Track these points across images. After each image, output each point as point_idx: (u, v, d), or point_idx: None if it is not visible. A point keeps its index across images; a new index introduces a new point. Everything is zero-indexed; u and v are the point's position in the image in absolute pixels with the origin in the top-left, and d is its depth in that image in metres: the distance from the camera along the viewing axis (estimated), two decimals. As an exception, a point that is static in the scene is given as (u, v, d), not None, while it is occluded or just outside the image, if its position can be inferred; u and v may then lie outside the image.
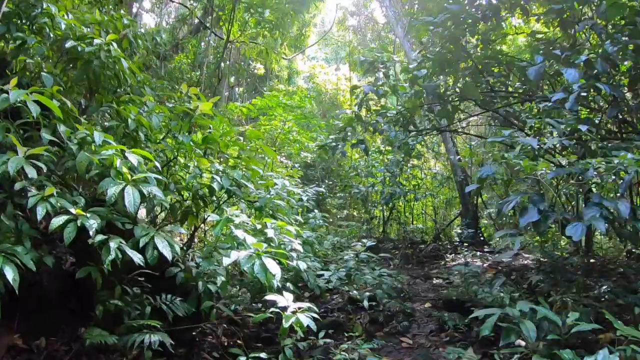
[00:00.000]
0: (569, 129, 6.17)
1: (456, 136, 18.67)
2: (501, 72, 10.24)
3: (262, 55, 13.86)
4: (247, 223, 5.25)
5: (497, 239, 18.46)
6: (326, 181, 21.37)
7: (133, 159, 4.41)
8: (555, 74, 7.98)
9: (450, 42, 9.09)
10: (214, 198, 5.94)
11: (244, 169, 6.00)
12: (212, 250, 5.49)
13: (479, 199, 18.55)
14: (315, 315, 4.75)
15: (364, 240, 8.82)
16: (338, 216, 19.00)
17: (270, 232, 5.18)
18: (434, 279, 11.55)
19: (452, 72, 9.35)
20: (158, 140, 5.75)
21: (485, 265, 13.20)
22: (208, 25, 15.90)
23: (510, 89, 10.79)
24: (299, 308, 4.79)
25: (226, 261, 4.40)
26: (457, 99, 10.44)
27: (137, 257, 4.30)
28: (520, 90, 10.68)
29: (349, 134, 11.00)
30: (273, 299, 4.78)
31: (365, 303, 7.55)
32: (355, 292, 7.71)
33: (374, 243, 9.17)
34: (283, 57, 15.89)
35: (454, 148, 17.50)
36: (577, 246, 13.61)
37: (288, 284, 6.14)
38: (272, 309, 5.06)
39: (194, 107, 5.53)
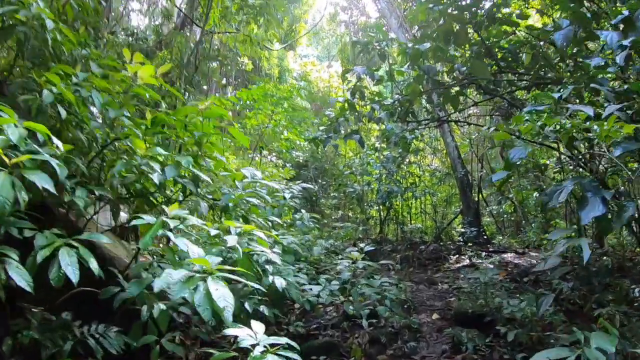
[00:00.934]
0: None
1: (455, 130, 17.15)
2: (510, 50, 8.78)
3: (246, 45, 12.30)
4: (204, 227, 3.72)
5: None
6: (319, 181, 19.86)
7: (12, 133, 2.85)
8: (586, 37, 6.44)
9: (455, 18, 7.66)
10: (175, 194, 4.41)
11: (205, 158, 4.46)
12: (146, 267, 3.93)
13: (480, 196, 17.03)
14: (297, 358, 3.19)
15: (361, 245, 7.25)
16: (333, 217, 17.46)
17: (231, 240, 3.64)
18: (439, 283, 10.02)
19: (460, 43, 7.82)
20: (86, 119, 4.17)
21: (492, 266, 11.70)
22: (196, 22, 14.37)
23: (520, 70, 9.28)
24: (273, 345, 3.24)
25: (157, 285, 2.89)
26: (463, 79, 8.95)
27: (22, 282, 2.76)
28: (532, 72, 9.20)
29: (341, 126, 9.46)
30: (235, 334, 3.24)
31: (364, 322, 6.02)
32: (351, 308, 6.15)
33: (373, 247, 7.62)
34: (267, 48, 14.24)
35: (453, 142, 15.99)
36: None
37: (262, 308, 4.59)
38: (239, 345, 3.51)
39: (131, 73, 3.98)
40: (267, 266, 4.77)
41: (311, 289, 5.69)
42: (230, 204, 4.53)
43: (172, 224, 3.30)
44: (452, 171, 16.35)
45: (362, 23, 23.05)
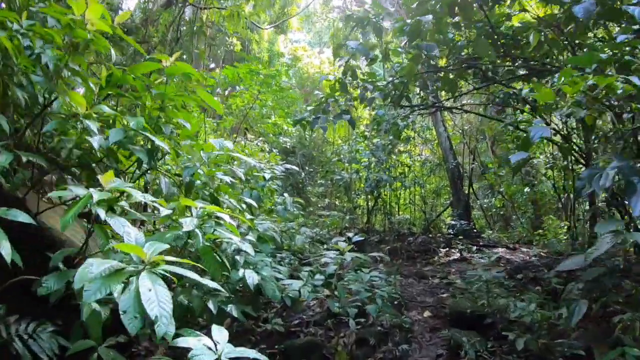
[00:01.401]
0: None
1: (447, 120, 16.40)
2: (512, 36, 8.09)
3: (234, 22, 11.40)
4: (153, 206, 2.91)
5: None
6: (307, 168, 19.06)
7: None
8: (606, 13, 5.70)
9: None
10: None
11: (168, 125, 3.63)
12: (66, 256, 3.10)
13: (471, 189, 16.32)
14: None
15: (349, 234, 6.47)
16: (319, 205, 16.68)
17: (188, 224, 2.83)
18: (430, 278, 9.29)
19: (466, 16, 7.05)
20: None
21: (484, 261, 10.99)
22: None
23: (522, 57, 8.58)
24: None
25: (77, 280, 2.09)
26: (463, 62, 8.22)
27: None
28: (534, 60, 8.49)
29: (331, 107, 8.68)
30: (187, 346, 2.43)
31: (351, 322, 5.26)
32: (337, 305, 5.38)
33: (361, 238, 6.84)
34: (256, 25, 13.33)
35: (445, 133, 15.25)
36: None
37: (230, 307, 3.77)
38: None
39: (77, 15, 3.14)
40: (237, 257, 3.97)
41: (291, 284, 4.89)
42: (198, 182, 3.73)
43: (98, 197, 2.48)
44: (443, 162, 15.62)
45: (356, 10, 22.12)
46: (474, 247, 11.95)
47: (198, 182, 3.78)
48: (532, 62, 8.69)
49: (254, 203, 4.88)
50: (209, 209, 3.03)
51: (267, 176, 6.32)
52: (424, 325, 6.51)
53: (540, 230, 14.48)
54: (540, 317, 4.85)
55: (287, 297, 4.98)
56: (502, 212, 17.55)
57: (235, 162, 4.62)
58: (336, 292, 5.49)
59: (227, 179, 4.11)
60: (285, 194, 7.89)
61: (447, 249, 12.02)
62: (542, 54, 8.48)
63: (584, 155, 9.73)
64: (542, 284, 8.02)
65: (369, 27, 8.07)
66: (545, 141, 16.92)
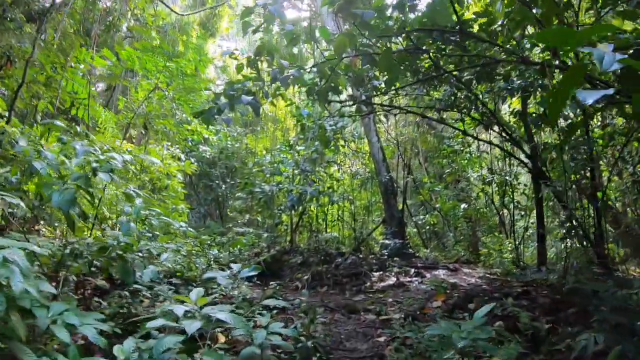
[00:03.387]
0: None
1: (380, 130, 14.34)
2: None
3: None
4: None
5: (427, 251, 14.38)
6: (228, 180, 16.61)
7: None
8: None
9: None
10: None
11: None
12: None
13: (405, 206, 14.27)
14: None
15: (234, 266, 4.12)
16: (239, 221, 14.22)
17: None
18: (362, 312, 7.04)
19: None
20: None
21: (424, 286, 8.86)
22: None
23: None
24: None
25: None
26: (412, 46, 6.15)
27: None
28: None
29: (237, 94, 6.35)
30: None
31: None
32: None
33: (252, 273, 4.47)
34: (165, 4, 10.75)
35: (378, 143, 13.18)
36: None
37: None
38: None
39: None
40: None
41: None
42: None
43: None
44: (375, 175, 13.53)
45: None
46: (412, 270, 9.81)
47: None
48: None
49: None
50: None
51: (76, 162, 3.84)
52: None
53: (484, 250, 12.56)
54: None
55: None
56: (435, 229, 15.59)
57: None
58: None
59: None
60: (139, 196, 5.35)
61: (381, 272, 9.84)
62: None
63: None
64: (505, 319, 5.91)
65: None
66: (483, 155, 15.26)
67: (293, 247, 11.71)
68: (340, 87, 7.35)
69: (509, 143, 10.25)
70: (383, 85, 8.25)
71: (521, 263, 11.44)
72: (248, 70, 6.78)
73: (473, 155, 14.53)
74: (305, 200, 11.22)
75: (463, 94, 9.07)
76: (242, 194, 13.03)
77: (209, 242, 12.12)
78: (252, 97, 5.56)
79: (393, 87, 8.89)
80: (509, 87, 8.17)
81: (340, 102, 7.70)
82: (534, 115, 8.84)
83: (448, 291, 8.33)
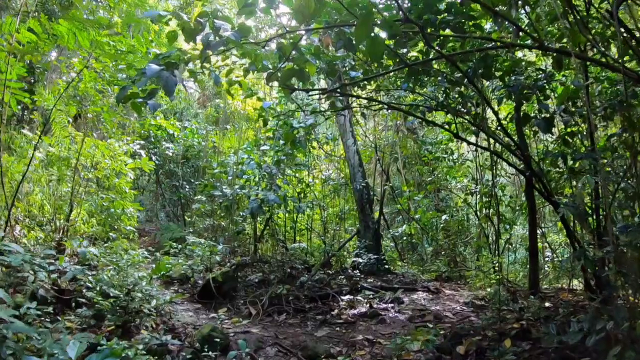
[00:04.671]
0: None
1: (357, 130, 12.66)
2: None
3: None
4: None
5: (404, 266, 12.75)
6: (193, 181, 14.80)
7: None
8: None
9: None
10: None
11: None
12: None
13: (382, 217, 12.62)
14: None
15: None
16: (201, 226, 12.43)
17: None
18: (323, 358, 5.30)
19: None
20: None
21: (403, 316, 7.23)
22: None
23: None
24: None
25: None
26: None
27: None
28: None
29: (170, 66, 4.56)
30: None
31: None
32: None
33: None
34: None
35: (355, 146, 11.51)
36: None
37: None
38: None
39: None
40: None
41: None
42: None
43: None
44: (349, 181, 11.85)
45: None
46: (387, 294, 8.14)
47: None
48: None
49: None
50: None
51: None
52: None
53: (469, 272, 11.00)
54: None
55: None
56: (413, 241, 13.95)
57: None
58: None
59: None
60: None
61: (352, 295, 8.14)
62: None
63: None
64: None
65: None
66: (467, 164, 13.71)
67: (255, 259, 9.98)
68: (308, 72, 5.65)
69: (502, 150, 8.64)
70: (360, 76, 6.59)
71: (509, 284, 9.92)
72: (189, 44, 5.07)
73: (456, 163, 12.94)
74: (270, 206, 9.54)
75: (455, 91, 7.45)
76: (201, 197, 11.24)
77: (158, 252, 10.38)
78: (169, 71, 3.83)
79: (374, 80, 7.23)
80: (511, 86, 6.60)
81: (307, 90, 6.00)
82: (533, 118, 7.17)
83: (431, 324, 6.70)
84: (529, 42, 5.45)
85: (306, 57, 5.48)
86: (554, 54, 6.03)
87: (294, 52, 5.21)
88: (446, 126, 8.67)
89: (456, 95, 7.31)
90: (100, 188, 10.61)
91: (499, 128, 7.65)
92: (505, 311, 7.32)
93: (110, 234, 9.94)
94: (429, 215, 12.54)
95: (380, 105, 7.44)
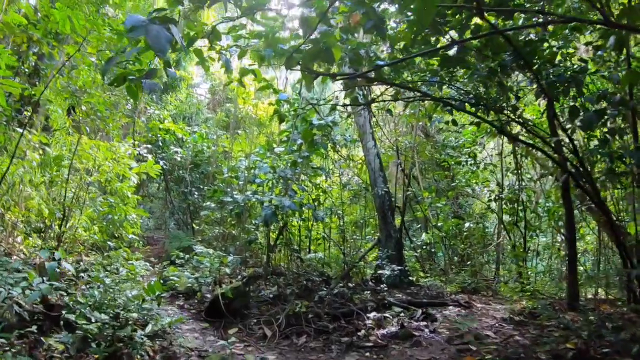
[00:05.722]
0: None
1: (378, 134, 11.55)
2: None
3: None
4: None
5: (427, 277, 11.58)
6: (202, 187, 13.79)
7: None
8: None
9: None
10: None
11: None
12: None
13: (403, 225, 11.48)
14: None
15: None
16: (210, 234, 11.38)
17: None
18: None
19: None
20: None
21: (439, 337, 6.13)
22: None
23: None
24: None
25: None
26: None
27: None
28: None
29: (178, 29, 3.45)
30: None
31: None
32: None
33: None
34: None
35: (375, 149, 10.44)
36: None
37: None
38: None
39: None
40: None
41: None
42: None
43: None
44: (369, 187, 10.76)
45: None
46: (418, 310, 7.01)
47: None
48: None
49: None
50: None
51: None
52: None
53: (502, 286, 9.91)
54: None
55: None
56: (433, 250, 12.80)
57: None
58: None
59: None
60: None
61: (378, 312, 7.02)
62: None
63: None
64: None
65: None
66: (490, 168, 12.60)
67: (268, 271, 8.88)
68: (334, 56, 4.63)
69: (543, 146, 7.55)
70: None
71: (543, 296, 8.82)
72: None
73: (479, 167, 11.83)
74: (284, 214, 8.48)
75: (495, 82, 6.37)
76: (210, 203, 10.19)
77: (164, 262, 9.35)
78: (163, 25, 2.78)
79: (405, 68, 6.18)
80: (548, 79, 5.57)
81: (334, 75, 4.95)
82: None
83: (473, 346, 5.63)
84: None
85: (334, 33, 4.44)
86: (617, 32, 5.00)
87: (321, 28, 4.19)
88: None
89: (501, 84, 6.22)
90: (101, 193, 9.65)
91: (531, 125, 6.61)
92: (551, 328, 6.28)
93: (111, 242, 8.97)
94: (450, 223, 11.42)
95: (409, 99, 6.36)
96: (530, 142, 7.29)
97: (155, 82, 4.01)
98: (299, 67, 4.81)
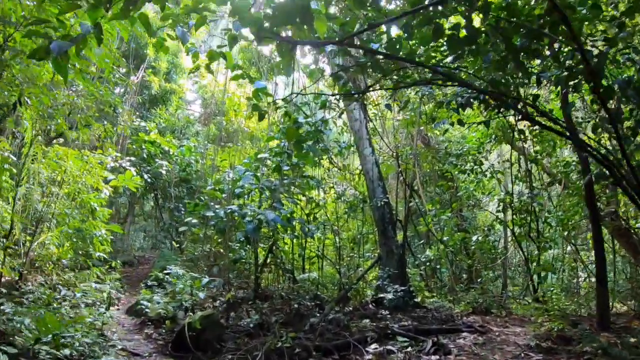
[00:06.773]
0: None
1: (375, 142, 10.30)
2: None
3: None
4: None
5: (432, 297, 10.22)
6: (186, 201, 12.54)
7: None
8: None
9: None
10: None
11: None
12: None
13: (405, 240, 10.16)
14: None
15: None
16: (196, 253, 10.12)
17: None
18: None
19: None
20: None
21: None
22: None
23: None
24: None
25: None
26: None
27: None
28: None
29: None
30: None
31: None
32: None
33: None
34: None
35: (373, 156, 9.19)
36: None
37: None
38: None
39: None
40: None
41: None
42: None
43: None
44: (367, 198, 9.48)
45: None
46: (428, 343, 5.69)
47: None
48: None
49: None
50: None
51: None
52: None
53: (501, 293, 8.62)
54: None
55: None
56: (438, 266, 11.49)
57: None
58: None
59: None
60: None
61: (380, 343, 5.69)
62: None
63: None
64: None
65: None
66: (498, 177, 11.40)
67: (252, 295, 7.57)
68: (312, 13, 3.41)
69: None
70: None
71: (565, 315, 7.51)
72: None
73: (486, 176, 10.62)
74: (273, 230, 7.23)
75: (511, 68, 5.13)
76: (192, 219, 8.93)
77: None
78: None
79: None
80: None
81: (316, 44, 3.74)
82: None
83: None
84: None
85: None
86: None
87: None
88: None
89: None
90: (72, 205, 8.47)
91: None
92: (588, 355, 5.03)
93: (79, 260, 7.80)
94: (456, 237, 10.14)
95: (414, 84, 5.13)
96: (551, 128, 6.00)
97: (66, 42, 2.87)
98: (271, 38, 3.60)
